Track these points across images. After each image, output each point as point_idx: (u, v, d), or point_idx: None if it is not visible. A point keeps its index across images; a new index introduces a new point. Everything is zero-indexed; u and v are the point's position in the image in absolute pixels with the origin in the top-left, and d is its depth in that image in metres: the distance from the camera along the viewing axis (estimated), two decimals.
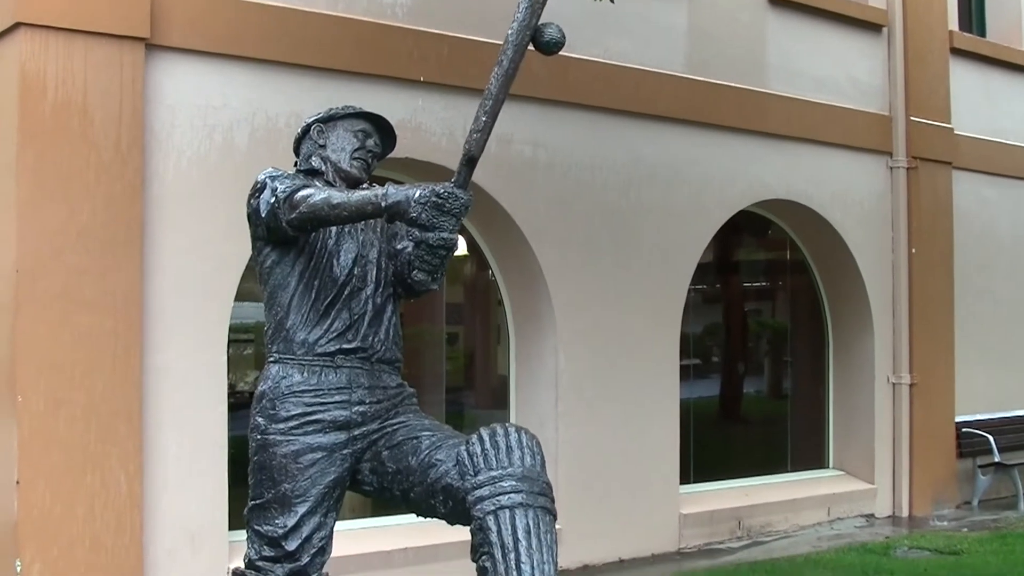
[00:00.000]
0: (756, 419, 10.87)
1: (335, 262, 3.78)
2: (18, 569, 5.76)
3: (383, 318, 3.83)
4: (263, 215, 3.70)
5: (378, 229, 3.91)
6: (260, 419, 3.76)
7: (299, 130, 4.04)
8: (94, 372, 6.01)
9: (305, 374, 3.74)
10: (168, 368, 6.32)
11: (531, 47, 3.52)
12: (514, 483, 3.46)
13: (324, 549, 3.76)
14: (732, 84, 9.09)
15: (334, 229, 3.77)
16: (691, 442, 9.04)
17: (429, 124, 7.34)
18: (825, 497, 9.75)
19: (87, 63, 6.05)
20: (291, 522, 3.69)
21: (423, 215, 3.38)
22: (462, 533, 3.57)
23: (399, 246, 3.86)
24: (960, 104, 10.82)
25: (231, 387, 6.82)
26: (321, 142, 3.95)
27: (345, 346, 3.76)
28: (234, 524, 6.18)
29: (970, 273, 10.89)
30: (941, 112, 10.61)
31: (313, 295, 3.76)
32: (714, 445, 9.85)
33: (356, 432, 3.75)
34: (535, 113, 7.80)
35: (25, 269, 5.87)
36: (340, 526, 4.01)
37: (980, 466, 10.77)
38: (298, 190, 3.65)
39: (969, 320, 10.79)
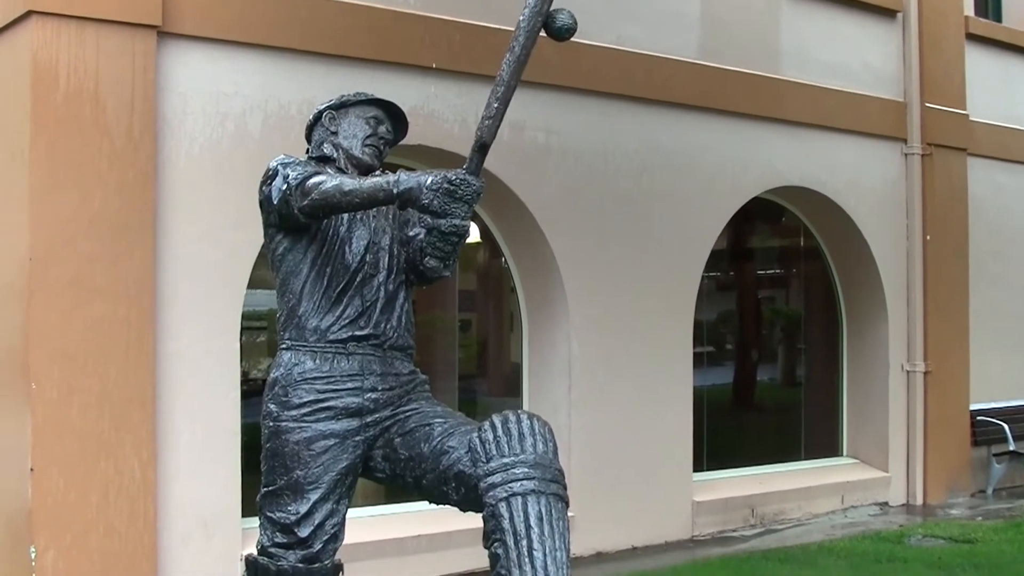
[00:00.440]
0: (770, 407, 10.85)
1: (347, 249, 3.77)
2: (32, 556, 5.78)
3: (395, 305, 3.82)
4: (275, 202, 3.69)
5: (390, 216, 3.89)
6: (272, 406, 3.76)
7: (311, 117, 4.03)
8: (107, 359, 6.02)
9: (317, 361, 3.73)
10: (181, 355, 6.33)
11: (543, 33, 3.50)
12: (526, 470, 3.45)
13: (336, 536, 3.77)
14: (745, 70, 9.04)
15: (346, 216, 3.76)
16: (704, 429, 9.02)
17: (441, 111, 7.33)
18: (839, 485, 9.72)
19: (99, 51, 6.04)
20: (303, 509, 3.69)
21: (435, 202, 3.37)
22: (474, 520, 3.57)
23: (411, 233, 3.84)
24: (975, 90, 10.74)
25: (244, 374, 6.82)
26: (333, 129, 3.93)
27: (357, 333, 3.75)
28: (247, 511, 6.19)
29: (985, 260, 10.83)
30: (956, 98, 10.54)
31: (325, 282, 3.75)
32: (727, 433, 9.83)
33: (368, 419, 3.75)
34: (547, 100, 7.78)
35: (38, 257, 5.88)
36: (352, 513, 4.01)
37: (995, 454, 10.73)
38: (310, 177, 3.64)
39: (984, 307, 10.74)
